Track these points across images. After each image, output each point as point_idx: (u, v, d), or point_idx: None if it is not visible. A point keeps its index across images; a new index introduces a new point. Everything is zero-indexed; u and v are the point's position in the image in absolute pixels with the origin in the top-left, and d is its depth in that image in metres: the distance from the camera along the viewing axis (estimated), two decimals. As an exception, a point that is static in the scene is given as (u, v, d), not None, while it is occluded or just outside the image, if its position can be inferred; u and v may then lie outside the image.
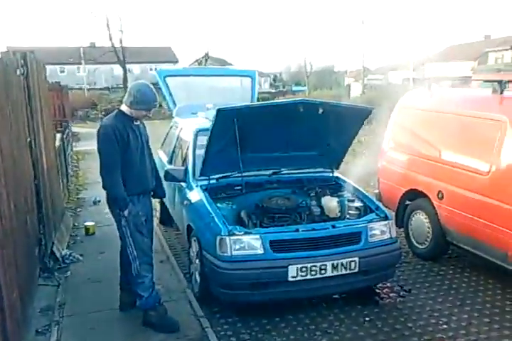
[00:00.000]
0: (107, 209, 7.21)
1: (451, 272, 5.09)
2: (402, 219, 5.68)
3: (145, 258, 3.95)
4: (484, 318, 4.13)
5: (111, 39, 35.43)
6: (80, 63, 41.56)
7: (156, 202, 5.84)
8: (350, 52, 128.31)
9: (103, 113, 23.21)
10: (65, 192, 7.76)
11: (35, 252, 4.64)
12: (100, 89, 30.96)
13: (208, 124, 4.69)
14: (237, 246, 3.93)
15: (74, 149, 13.22)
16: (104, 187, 3.90)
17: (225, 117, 4.26)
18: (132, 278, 3.95)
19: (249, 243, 3.96)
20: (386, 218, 4.36)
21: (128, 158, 3.84)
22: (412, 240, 5.61)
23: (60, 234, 5.90)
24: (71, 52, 42.43)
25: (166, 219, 6.45)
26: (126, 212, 3.84)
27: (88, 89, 30.27)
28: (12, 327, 3.03)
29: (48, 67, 8.45)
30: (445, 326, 4.00)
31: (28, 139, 4.74)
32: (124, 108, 3.91)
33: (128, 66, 37.91)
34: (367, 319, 4.12)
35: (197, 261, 4.42)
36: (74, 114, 21.62)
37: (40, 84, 5.71)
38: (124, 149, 3.79)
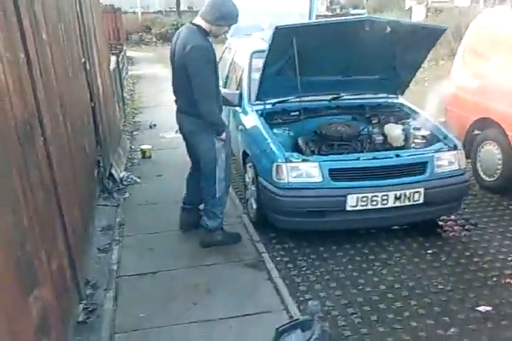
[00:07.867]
0: (162, 133, 7.26)
1: (521, 206, 4.78)
2: (469, 150, 5.33)
3: (227, 182, 3.94)
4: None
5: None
6: (133, -15, 40.50)
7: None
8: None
9: (158, 37, 22.92)
10: (121, 115, 7.77)
11: (94, 173, 4.68)
12: (154, 12, 30.16)
13: (263, 45, 4.41)
14: (295, 174, 3.80)
15: (129, 73, 13.13)
16: (201, 113, 3.60)
17: (283, 36, 3.94)
18: (212, 200, 3.90)
19: (307, 171, 3.81)
20: (455, 148, 4.07)
21: (216, 81, 3.71)
22: (480, 172, 5.28)
23: (118, 157, 5.95)
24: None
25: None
26: (223, 136, 3.76)
27: (142, 13, 29.59)
28: (75, 243, 3.08)
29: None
30: (514, 262, 3.77)
31: (83, 60, 4.62)
32: (202, 24, 3.62)
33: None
34: (429, 251, 3.94)
35: (253, 187, 4.34)
36: (128, 38, 21.32)
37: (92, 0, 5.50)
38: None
